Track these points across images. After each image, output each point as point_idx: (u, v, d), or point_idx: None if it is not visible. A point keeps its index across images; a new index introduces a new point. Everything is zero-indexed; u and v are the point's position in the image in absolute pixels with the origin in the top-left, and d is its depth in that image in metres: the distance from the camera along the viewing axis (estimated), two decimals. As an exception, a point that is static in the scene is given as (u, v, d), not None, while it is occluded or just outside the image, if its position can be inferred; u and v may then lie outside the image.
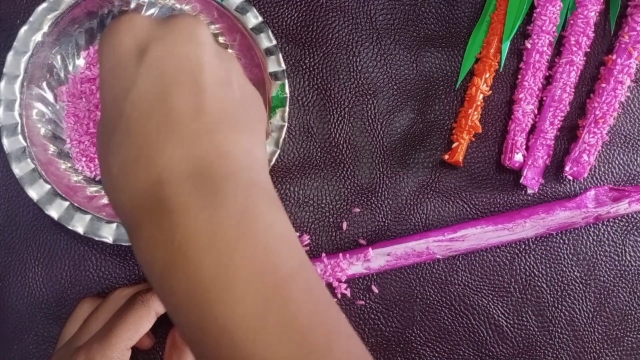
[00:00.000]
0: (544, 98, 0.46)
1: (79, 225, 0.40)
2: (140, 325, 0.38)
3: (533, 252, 0.46)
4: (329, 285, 0.44)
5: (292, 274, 0.24)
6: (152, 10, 0.44)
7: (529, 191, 0.46)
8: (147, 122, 0.25)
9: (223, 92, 0.27)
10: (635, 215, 0.46)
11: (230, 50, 0.45)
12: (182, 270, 0.23)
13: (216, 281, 0.23)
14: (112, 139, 0.26)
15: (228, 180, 0.25)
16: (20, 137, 0.40)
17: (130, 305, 0.39)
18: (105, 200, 0.42)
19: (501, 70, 0.46)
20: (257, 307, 0.23)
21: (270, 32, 0.42)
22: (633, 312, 0.46)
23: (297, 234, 0.45)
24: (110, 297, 0.41)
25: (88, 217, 0.40)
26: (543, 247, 0.46)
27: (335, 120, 0.46)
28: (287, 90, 0.42)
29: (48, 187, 0.40)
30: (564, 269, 0.46)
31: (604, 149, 0.47)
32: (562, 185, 0.46)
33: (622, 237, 0.46)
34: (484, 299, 0.45)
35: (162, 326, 0.44)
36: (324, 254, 0.44)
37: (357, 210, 0.45)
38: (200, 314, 0.23)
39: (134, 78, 0.26)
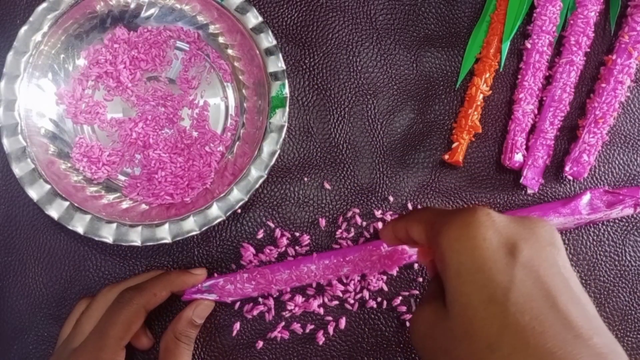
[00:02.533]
0: (544, 98, 0.46)
1: (79, 225, 0.40)
2: (131, 323, 0.38)
3: (533, 252, 0.46)
4: (329, 285, 0.44)
5: None
6: (152, 10, 0.44)
7: (529, 191, 0.46)
8: (546, 331, 0.24)
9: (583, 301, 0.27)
10: (635, 216, 0.46)
11: (230, 51, 0.45)
12: None
13: None
14: (494, 341, 0.25)
15: None
16: (20, 137, 0.40)
17: (119, 304, 0.39)
18: (105, 201, 0.42)
19: (501, 70, 0.46)
20: None
21: (270, 32, 0.42)
22: (633, 312, 0.46)
23: (297, 234, 0.45)
24: (100, 295, 0.41)
25: (88, 217, 0.40)
26: (543, 247, 0.46)
27: (335, 120, 0.46)
28: (287, 90, 0.42)
29: (48, 187, 0.40)
30: (564, 269, 0.46)
31: (604, 149, 0.47)
32: (562, 185, 0.46)
33: (622, 237, 0.46)
34: (484, 299, 0.45)
35: (160, 326, 0.44)
36: (317, 254, 0.44)
37: (357, 210, 0.45)
38: None
39: (510, 277, 0.26)
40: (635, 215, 0.46)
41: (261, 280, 0.42)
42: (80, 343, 0.39)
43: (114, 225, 0.40)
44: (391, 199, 0.45)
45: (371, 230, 0.45)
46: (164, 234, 0.40)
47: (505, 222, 0.28)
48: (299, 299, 0.44)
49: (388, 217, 0.45)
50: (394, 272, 0.44)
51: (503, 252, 0.27)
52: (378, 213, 0.45)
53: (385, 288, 0.44)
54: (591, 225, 0.46)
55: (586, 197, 0.45)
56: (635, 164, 0.47)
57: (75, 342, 0.39)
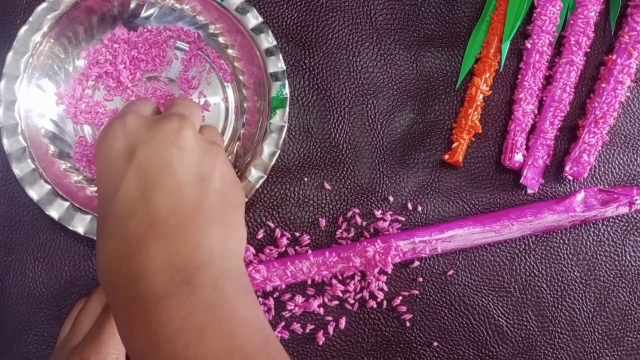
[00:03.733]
0: (544, 98, 0.46)
1: (80, 225, 0.40)
2: None
3: (533, 252, 0.46)
4: (329, 284, 0.44)
5: (256, 351, 0.27)
6: (151, 10, 0.44)
7: (529, 191, 0.46)
8: (130, 219, 0.28)
9: (201, 188, 0.30)
10: (635, 215, 0.46)
11: (230, 51, 0.45)
12: (159, 351, 0.26)
13: None
14: (103, 232, 0.29)
15: (199, 271, 0.28)
16: (20, 137, 0.40)
17: None
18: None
19: (501, 70, 0.46)
20: None
21: (270, 33, 0.42)
22: (633, 312, 0.46)
23: (297, 234, 0.45)
24: (96, 292, 0.41)
25: (88, 217, 0.40)
26: (543, 247, 0.46)
27: (335, 120, 0.46)
28: (287, 90, 0.42)
29: (48, 187, 0.40)
30: (564, 269, 0.46)
31: (604, 149, 0.47)
32: (562, 185, 0.46)
33: (622, 237, 0.46)
34: (484, 299, 0.45)
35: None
36: (312, 251, 0.44)
37: (357, 210, 0.45)
38: None
39: (122, 178, 0.29)
40: (635, 215, 0.46)
41: (256, 276, 0.42)
42: (80, 341, 0.39)
43: (114, 225, 0.40)
44: (391, 199, 0.45)
45: (371, 230, 0.45)
46: (164, 234, 0.40)
47: (135, 128, 0.31)
48: (299, 299, 0.44)
49: (388, 217, 0.45)
50: (389, 270, 0.44)
51: (124, 156, 0.30)
52: (378, 213, 0.45)
53: (385, 288, 0.44)
54: (591, 225, 0.46)
55: (580, 195, 0.45)
56: (635, 164, 0.47)
57: (74, 340, 0.39)
